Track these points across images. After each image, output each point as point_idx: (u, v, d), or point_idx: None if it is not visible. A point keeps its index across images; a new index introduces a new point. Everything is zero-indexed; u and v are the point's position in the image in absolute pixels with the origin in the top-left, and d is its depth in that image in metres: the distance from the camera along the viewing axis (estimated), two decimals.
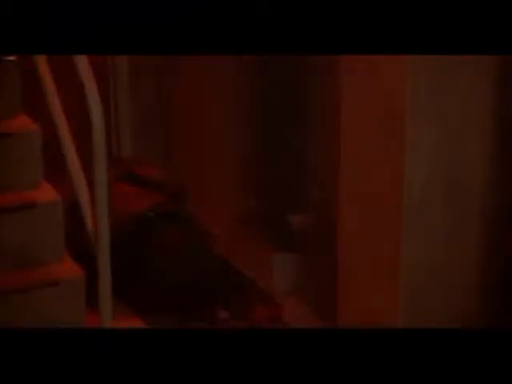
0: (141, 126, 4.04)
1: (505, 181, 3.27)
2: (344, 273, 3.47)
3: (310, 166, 3.79)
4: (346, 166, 3.41)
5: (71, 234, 2.68)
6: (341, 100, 3.40)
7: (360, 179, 3.34)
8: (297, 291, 3.72)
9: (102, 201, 2.37)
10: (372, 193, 3.27)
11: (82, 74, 2.30)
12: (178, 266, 3.37)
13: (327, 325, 3.48)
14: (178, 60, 4.02)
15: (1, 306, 2.46)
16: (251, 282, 3.59)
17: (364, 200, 3.32)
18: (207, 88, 4.04)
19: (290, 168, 3.87)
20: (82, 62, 2.29)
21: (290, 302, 3.63)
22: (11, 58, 2.68)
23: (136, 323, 2.99)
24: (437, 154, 3.17)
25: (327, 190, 3.60)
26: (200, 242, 3.51)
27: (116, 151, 3.93)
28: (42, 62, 2.67)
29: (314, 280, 3.75)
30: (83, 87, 2.30)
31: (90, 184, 2.44)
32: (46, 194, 2.73)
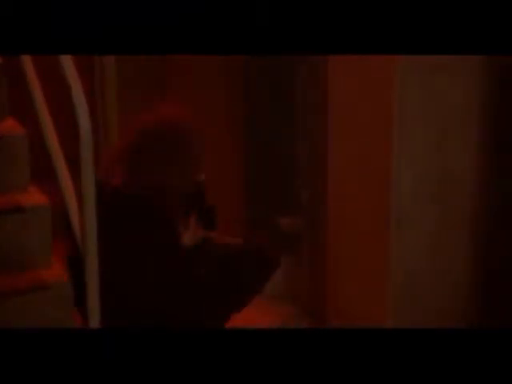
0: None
1: (493, 180, 3.28)
2: (333, 274, 3.47)
3: (299, 168, 3.79)
4: (335, 167, 3.41)
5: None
6: (329, 102, 3.41)
7: (349, 181, 3.34)
8: (286, 293, 3.72)
9: (90, 206, 2.36)
10: (361, 194, 3.28)
11: (68, 75, 2.28)
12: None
13: (317, 325, 3.48)
14: (168, 62, 4.02)
15: None
16: None
17: (353, 201, 3.33)
18: (196, 91, 4.04)
19: (279, 170, 3.88)
20: (68, 64, 2.28)
21: (280, 303, 3.63)
22: None
23: None
24: (425, 154, 3.18)
25: (316, 192, 3.61)
26: None
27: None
28: (28, 66, 2.65)
29: (303, 281, 3.75)
30: (69, 89, 2.29)
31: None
32: (34, 197, 2.72)
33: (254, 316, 2.66)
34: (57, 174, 2.55)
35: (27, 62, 2.64)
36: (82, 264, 2.37)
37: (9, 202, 2.64)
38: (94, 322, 2.36)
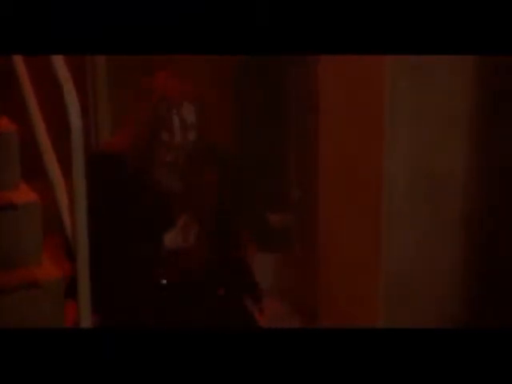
0: (120, 126, 4.01)
1: (485, 179, 3.28)
2: (324, 272, 3.48)
3: (289, 165, 3.80)
4: (327, 166, 3.41)
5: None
6: (320, 99, 3.41)
7: (340, 178, 3.34)
8: (277, 291, 3.72)
9: (81, 203, 2.36)
10: (352, 192, 3.28)
11: (60, 74, 2.28)
12: None
13: (308, 324, 3.48)
14: (158, 58, 4.00)
15: None
16: None
17: (344, 200, 3.33)
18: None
19: (269, 167, 3.88)
20: (60, 63, 2.28)
21: (270, 301, 3.63)
22: None
23: None
24: (416, 153, 3.18)
25: (307, 189, 3.61)
26: None
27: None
28: (20, 65, 2.65)
29: (294, 279, 3.75)
30: (61, 88, 2.29)
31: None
32: (25, 195, 2.72)
33: None
34: (48, 172, 2.55)
35: (19, 61, 2.63)
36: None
37: (1, 200, 2.64)
38: (86, 319, 2.37)
